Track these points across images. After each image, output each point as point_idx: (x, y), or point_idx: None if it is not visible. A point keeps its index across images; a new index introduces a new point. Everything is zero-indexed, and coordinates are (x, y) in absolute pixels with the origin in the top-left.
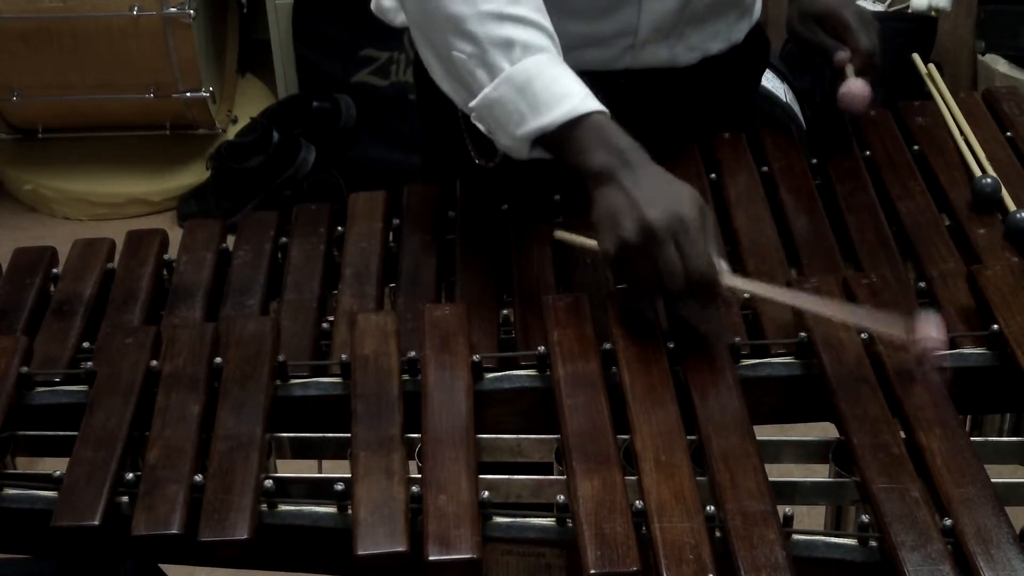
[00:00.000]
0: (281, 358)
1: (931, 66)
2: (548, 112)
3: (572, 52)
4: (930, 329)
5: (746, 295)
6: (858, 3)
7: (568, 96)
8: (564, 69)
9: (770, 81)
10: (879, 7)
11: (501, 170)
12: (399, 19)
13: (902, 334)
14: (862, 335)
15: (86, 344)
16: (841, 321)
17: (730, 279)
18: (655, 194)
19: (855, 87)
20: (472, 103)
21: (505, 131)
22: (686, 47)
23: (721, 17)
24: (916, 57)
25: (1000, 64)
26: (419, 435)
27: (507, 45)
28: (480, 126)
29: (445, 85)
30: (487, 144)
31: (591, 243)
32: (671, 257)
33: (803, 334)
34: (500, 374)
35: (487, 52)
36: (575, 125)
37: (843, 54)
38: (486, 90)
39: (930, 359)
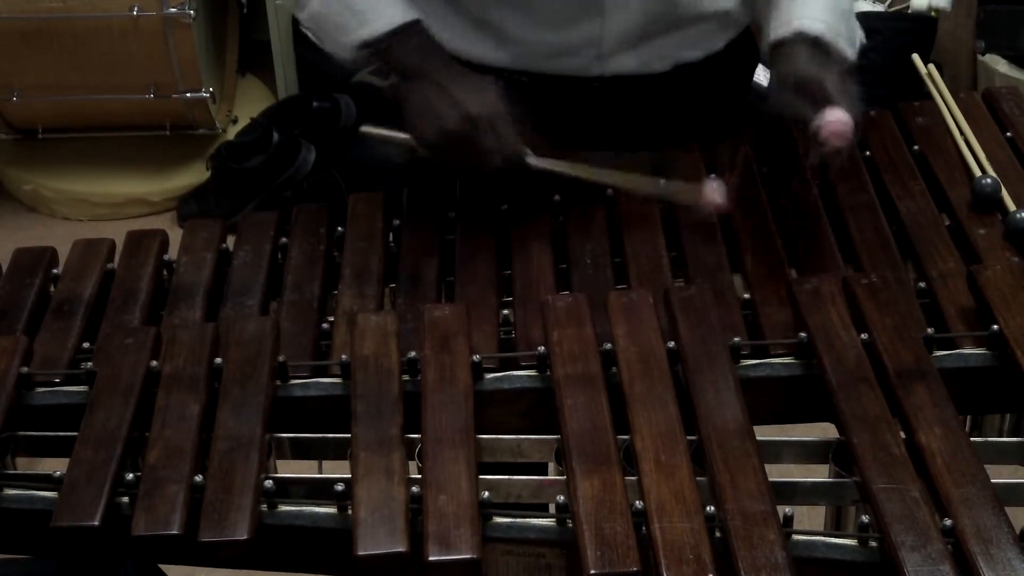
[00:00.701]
0: (281, 358)
1: (931, 66)
2: (369, 23)
3: (544, 60)
4: (713, 194)
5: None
6: (836, 71)
7: (386, 8)
8: None
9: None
10: (879, 7)
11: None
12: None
13: (694, 199)
14: (862, 335)
15: (86, 344)
16: (642, 194)
17: (535, 159)
18: (470, 90)
19: (835, 116)
20: (302, 15)
21: (337, 43)
22: (657, 55)
23: (694, 27)
24: (916, 57)
25: (1000, 64)
26: (419, 435)
27: None
28: (311, 37)
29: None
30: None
31: (402, 136)
32: (490, 142)
33: (803, 334)
34: (500, 374)
35: None
36: (395, 33)
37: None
38: (314, 3)
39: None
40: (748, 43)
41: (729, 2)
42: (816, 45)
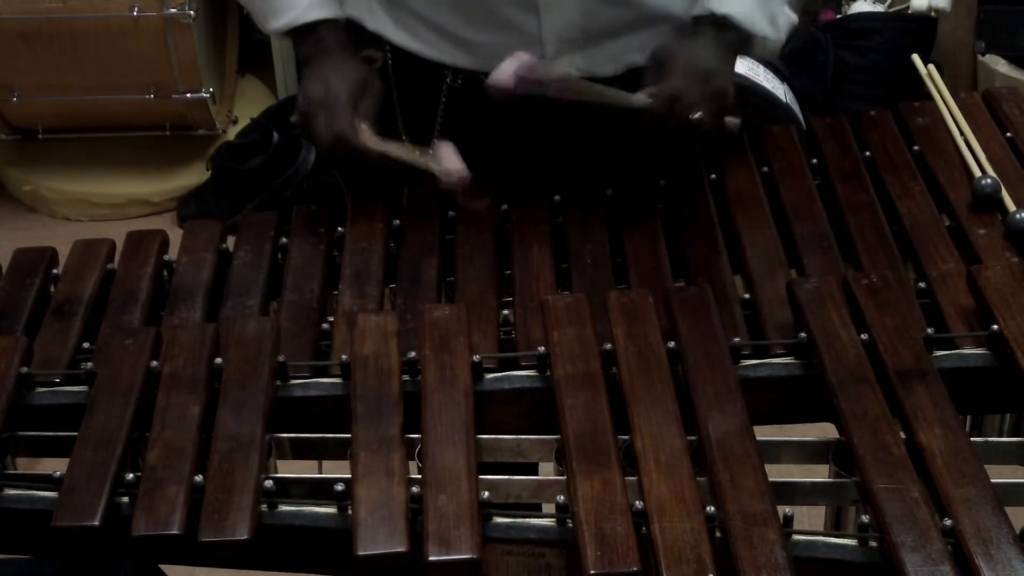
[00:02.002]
0: (281, 358)
1: (931, 66)
2: (276, 18)
3: (492, 60)
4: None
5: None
6: (701, 60)
7: (295, 6)
8: None
9: (770, 81)
10: (879, 7)
11: (500, 169)
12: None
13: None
14: (862, 335)
15: (86, 344)
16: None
17: (369, 139)
18: (319, 76)
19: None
20: None
21: (259, 22)
22: (605, 58)
23: (643, 30)
24: (916, 57)
25: (1000, 64)
26: (419, 435)
27: None
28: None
29: None
30: (422, 131)
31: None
32: (319, 124)
33: (803, 334)
34: (500, 374)
35: None
36: (299, 31)
37: (639, 97)
38: None
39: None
40: None
41: (677, 5)
42: (726, 27)
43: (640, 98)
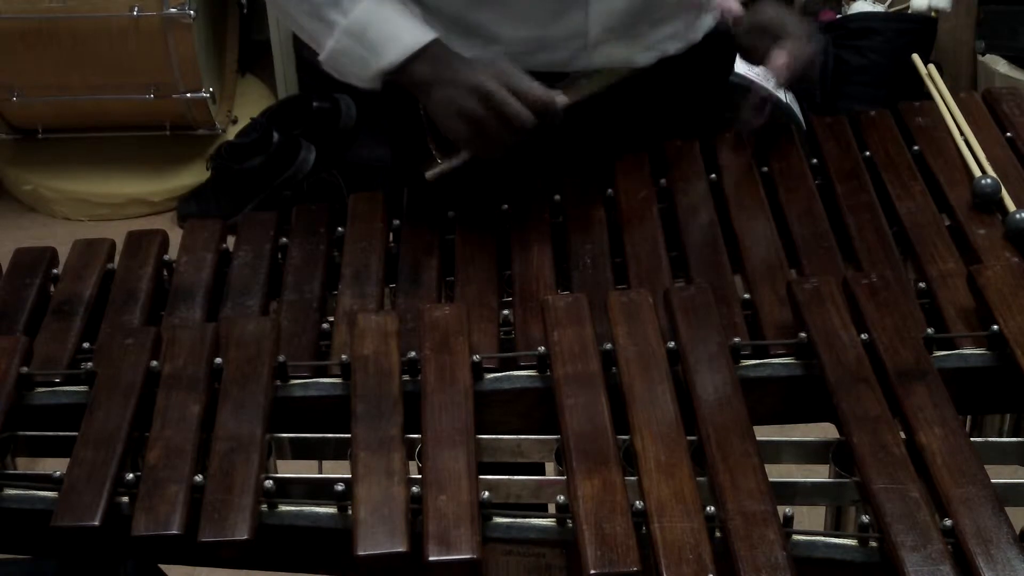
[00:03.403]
0: (281, 358)
1: (931, 66)
2: (386, 54)
3: (523, 56)
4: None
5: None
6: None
7: (399, 36)
8: (391, 8)
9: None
10: (879, 7)
11: (501, 171)
12: None
13: None
14: (862, 335)
15: (86, 344)
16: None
17: (561, 97)
18: (470, 71)
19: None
20: (321, 57)
21: (356, 76)
22: (642, 47)
23: (677, 17)
24: (916, 57)
25: (1000, 64)
26: (419, 435)
27: (335, 1)
28: (332, 73)
29: (304, 39)
30: (447, 142)
31: (458, 158)
32: (510, 101)
33: (803, 334)
34: (500, 374)
35: (321, 9)
36: (410, 59)
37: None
38: (330, 44)
39: None
40: (725, 36)
41: None
42: None
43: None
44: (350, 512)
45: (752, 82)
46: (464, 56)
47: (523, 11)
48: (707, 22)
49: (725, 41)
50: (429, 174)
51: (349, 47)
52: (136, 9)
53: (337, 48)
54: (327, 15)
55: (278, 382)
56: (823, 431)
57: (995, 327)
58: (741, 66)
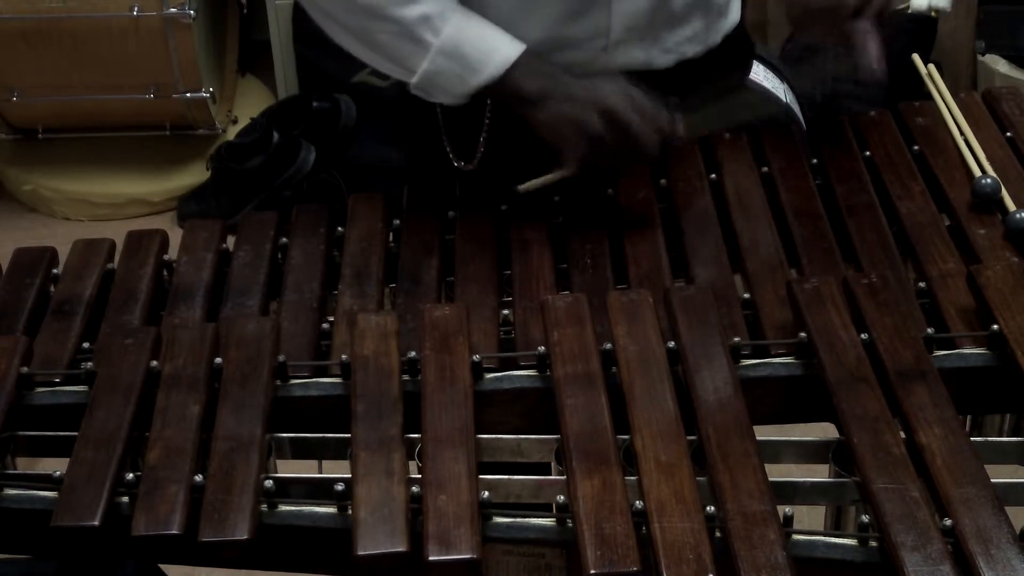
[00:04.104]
0: (281, 358)
1: (931, 66)
2: (484, 69)
3: (555, 55)
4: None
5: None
6: None
7: (496, 49)
8: (479, 22)
9: (770, 81)
10: None
11: (501, 170)
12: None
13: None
14: (862, 335)
15: (86, 344)
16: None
17: (681, 123)
18: (596, 86)
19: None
20: (414, 80)
21: (449, 94)
22: (661, 50)
23: (696, 19)
24: (916, 57)
25: (1000, 64)
26: (419, 435)
27: (426, 19)
28: (421, 94)
29: (376, 64)
30: (466, 146)
31: (556, 174)
32: (641, 126)
33: (803, 334)
34: (500, 374)
35: (412, 30)
36: (509, 72)
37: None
38: (424, 65)
39: None
40: (743, 40)
41: None
42: None
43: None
44: (350, 512)
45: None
46: (566, 71)
47: (545, 8)
48: (726, 25)
49: (742, 44)
50: (523, 188)
51: (444, 66)
52: (136, 9)
53: (432, 69)
54: (420, 34)
55: (278, 382)
56: (823, 431)
57: (995, 327)
58: (755, 71)
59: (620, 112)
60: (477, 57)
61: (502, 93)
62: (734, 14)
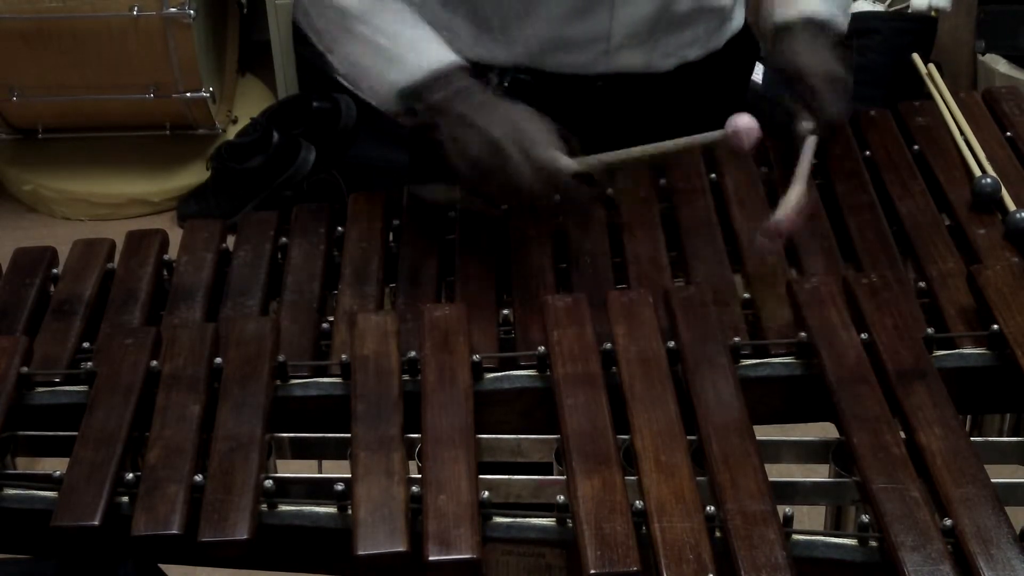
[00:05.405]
0: (281, 358)
1: (931, 66)
2: (407, 69)
3: (547, 56)
4: (740, 122)
5: (598, 166)
6: (829, 64)
7: (423, 54)
8: (419, 28)
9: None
10: (879, 7)
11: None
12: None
13: (720, 135)
14: (862, 335)
15: (86, 344)
16: (675, 151)
17: (577, 164)
18: (494, 115)
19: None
20: (333, 59)
21: (370, 88)
22: (662, 53)
23: (698, 24)
24: (916, 57)
25: (1000, 64)
26: (419, 435)
27: (363, 12)
28: (346, 83)
29: (319, 44)
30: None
31: (449, 191)
32: (519, 165)
33: (803, 334)
34: (500, 374)
35: (345, 18)
36: (432, 80)
37: (806, 124)
38: (346, 47)
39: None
40: (747, 43)
41: None
42: (818, 27)
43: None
44: (350, 512)
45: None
46: (487, 94)
47: (547, 8)
48: (729, 30)
49: (746, 47)
50: (415, 191)
51: (369, 55)
52: (136, 9)
53: (355, 53)
54: (351, 25)
55: (278, 382)
56: (823, 431)
57: (995, 327)
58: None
59: (502, 146)
60: (400, 54)
61: (420, 104)
62: (738, 18)
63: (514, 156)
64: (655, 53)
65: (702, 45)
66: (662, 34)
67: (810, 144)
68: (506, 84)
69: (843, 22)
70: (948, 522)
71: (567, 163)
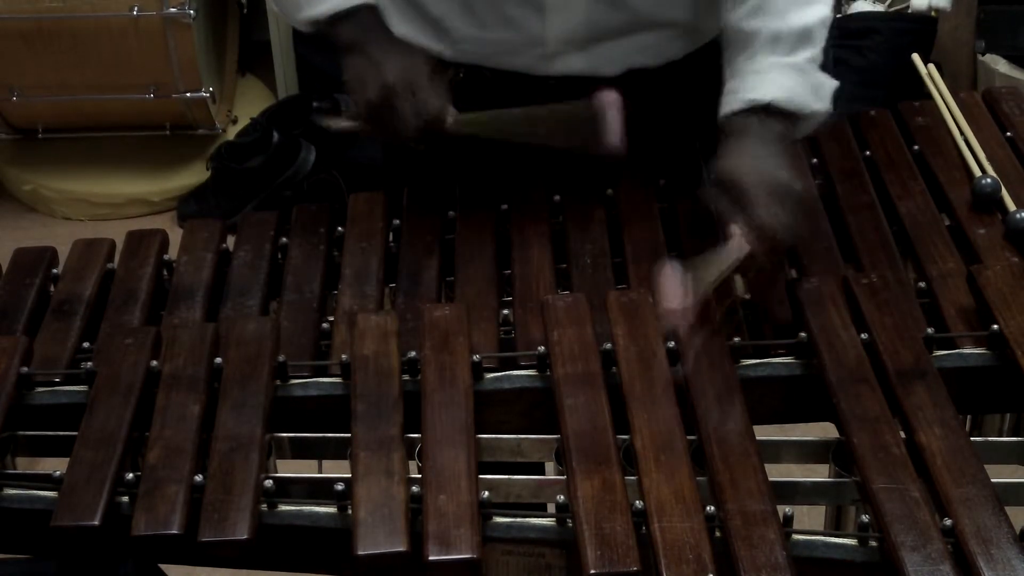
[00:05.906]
0: (281, 358)
1: (931, 66)
2: (312, 7)
3: (489, 57)
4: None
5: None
6: (772, 172)
7: None
8: None
9: None
10: (879, 7)
11: (500, 169)
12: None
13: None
14: (862, 335)
15: (86, 344)
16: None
17: (458, 119)
18: (392, 59)
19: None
20: None
21: (289, 14)
22: (606, 59)
23: (645, 33)
24: (916, 57)
25: (1000, 64)
26: (419, 435)
27: None
28: (275, 6)
29: None
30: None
31: (355, 123)
32: (407, 109)
33: (803, 334)
34: (500, 374)
35: None
36: (342, 16)
37: (734, 241)
38: None
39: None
40: (715, 57)
41: (680, 13)
42: (771, 112)
43: (737, 249)
44: (350, 512)
45: None
46: (394, 38)
47: (480, 13)
48: (692, 43)
49: (713, 63)
50: (329, 124)
51: None
52: (136, 9)
53: None
54: None
55: (278, 382)
56: (823, 431)
57: (995, 327)
58: None
59: (391, 86)
60: None
61: (329, 32)
62: (706, 32)
63: (399, 93)
64: (599, 59)
65: (655, 54)
66: (600, 42)
67: (737, 246)
68: (461, 76)
69: (814, 104)
70: (948, 522)
71: (450, 115)
